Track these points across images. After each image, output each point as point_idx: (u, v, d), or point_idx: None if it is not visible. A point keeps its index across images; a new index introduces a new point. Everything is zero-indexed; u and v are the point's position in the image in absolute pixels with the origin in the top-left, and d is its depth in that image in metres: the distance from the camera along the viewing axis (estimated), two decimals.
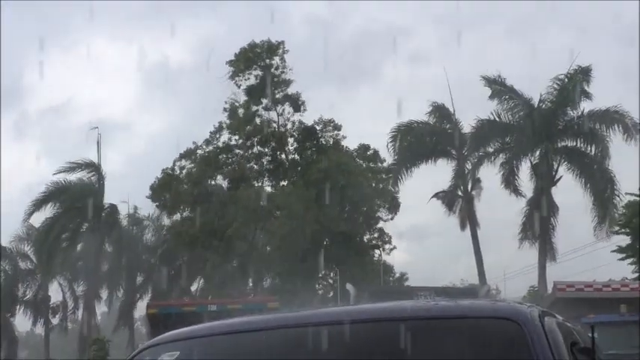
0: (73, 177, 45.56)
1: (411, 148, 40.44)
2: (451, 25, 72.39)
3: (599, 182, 37.06)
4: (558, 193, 38.26)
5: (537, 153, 37.94)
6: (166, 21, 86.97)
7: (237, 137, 46.90)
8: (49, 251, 44.61)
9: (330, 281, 47.72)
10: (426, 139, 40.54)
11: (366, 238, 47.63)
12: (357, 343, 3.86)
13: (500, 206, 62.31)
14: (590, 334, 4.34)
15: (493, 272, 58.29)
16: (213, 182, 47.37)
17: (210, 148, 46.96)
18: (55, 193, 45.14)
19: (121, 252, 47.98)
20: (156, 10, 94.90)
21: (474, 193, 40.40)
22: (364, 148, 48.05)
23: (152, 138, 78.35)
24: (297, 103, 46.85)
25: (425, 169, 40.85)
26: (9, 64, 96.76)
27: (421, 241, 76.17)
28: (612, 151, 37.01)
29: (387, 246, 47.68)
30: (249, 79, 46.39)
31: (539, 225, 35.70)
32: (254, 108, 46.55)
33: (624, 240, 34.06)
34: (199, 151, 47.09)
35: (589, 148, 37.78)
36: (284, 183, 47.52)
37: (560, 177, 38.11)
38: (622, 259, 33.74)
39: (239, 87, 46.47)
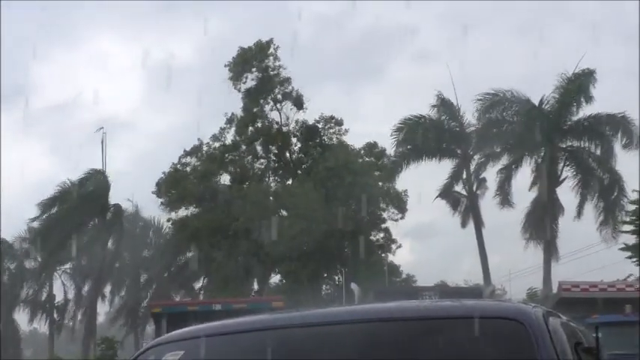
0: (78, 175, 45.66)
1: (415, 142, 40.04)
2: (456, 23, 72.37)
3: (604, 183, 37.00)
4: (563, 194, 38.33)
5: (542, 153, 37.92)
6: (173, 19, 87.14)
7: (241, 138, 46.99)
8: (52, 250, 44.64)
9: (337, 282, 47.59)
10: (429, 134, 40.10)
11: (372, 237, 47.55)
12: (362, 344, 3.86)
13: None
14: (594, 334, 4.34)
15: (499, 272, 58.31)
16: (218, 180, 47.41)
17: (217, 144, 47.03)
18: (60, 197, 45.06)
19: (126, 251, 48.06)
20: (161, 9, 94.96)
21: (478, 192, 40.41)
22: (371, 145, 47.98)
23: (157, 136, 78.41)
24: (298, 101, 46.83)
25: (429, 169, 40.81)
26: (13, 62, 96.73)
27: (426, 240, 75.98)
28: (617, 151, 37.10)
29: (393, 246, 47.72)
30: (245, 82, 46.59)
31: (544, 225, 35.65)
32: (254, 109, 46.62)
33: (630, 239, 33.90)
34: (205, 148, 47.16)
35: (593, 149, 37.80)
36: (289, 182, 47.51)
37: (565, 177, 38.14)
38: (628, 257, 33.60)
39: (239, 91, 46.67)
